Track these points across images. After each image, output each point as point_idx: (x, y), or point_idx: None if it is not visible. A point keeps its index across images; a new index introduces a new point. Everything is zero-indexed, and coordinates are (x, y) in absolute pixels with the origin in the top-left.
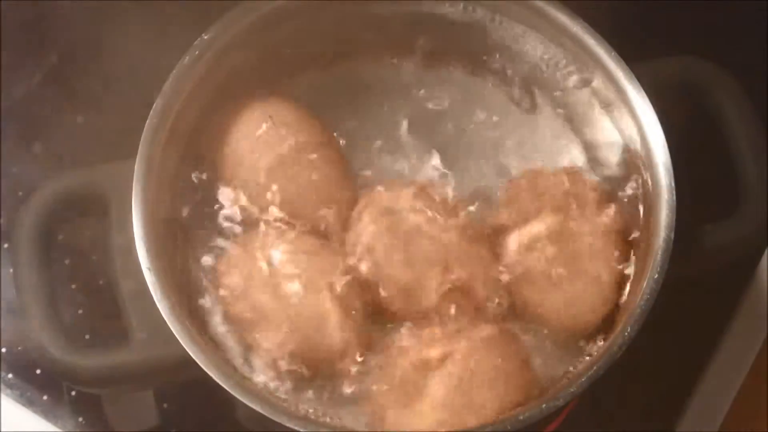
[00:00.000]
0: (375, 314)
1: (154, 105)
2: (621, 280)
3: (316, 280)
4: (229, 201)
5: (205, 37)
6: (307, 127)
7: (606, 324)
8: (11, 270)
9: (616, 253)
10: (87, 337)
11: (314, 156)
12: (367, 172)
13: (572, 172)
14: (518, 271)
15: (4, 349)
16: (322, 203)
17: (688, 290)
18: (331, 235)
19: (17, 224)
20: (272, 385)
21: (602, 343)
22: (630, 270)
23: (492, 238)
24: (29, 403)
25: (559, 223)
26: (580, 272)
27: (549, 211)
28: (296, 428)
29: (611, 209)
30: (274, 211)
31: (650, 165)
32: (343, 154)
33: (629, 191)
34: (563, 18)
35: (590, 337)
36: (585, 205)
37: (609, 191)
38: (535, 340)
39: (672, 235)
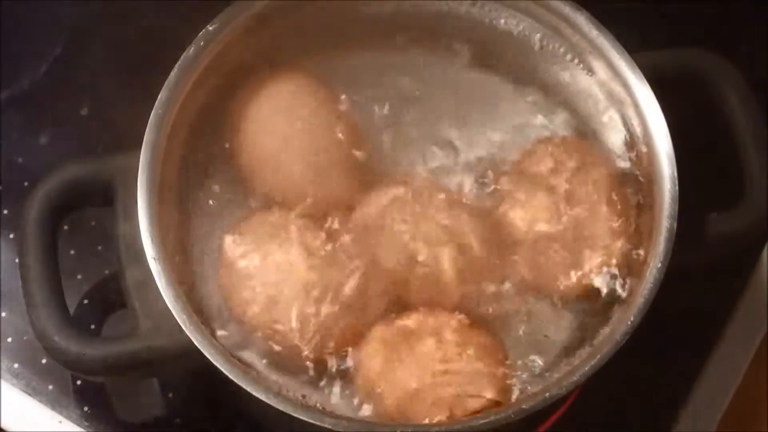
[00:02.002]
0: (377, 304)
1: (160, 95)
2: (629, 249)
3: (322, 270)
4: (236, 190)
5: (210, 29)
6: (317, 112)
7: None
8: (17, 259)
9: (622, 222)
10: (92, 326)
11: (325, 143)
12: (374, 162)
13: (576, 141)
14: (527, 246)
15: (9, 339)
16: (333, 191)
17: (690, 280)
18: (339, 226)
19: (23, 214)
20: (275, 374)
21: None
22: (639, 249)
23: (498, 215)
24: (35, 392)
25: (564, 193)
26: (587, 242)
27: (554, 182)
28: (301, 417)
29: (614, 177)
30: (283, 199)
31: (653, 155)
32: (359, 142)
33: (632, 182)
34: (565, 8)
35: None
36: (589, 171)
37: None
38: (545, 313)
39: (675, 225)
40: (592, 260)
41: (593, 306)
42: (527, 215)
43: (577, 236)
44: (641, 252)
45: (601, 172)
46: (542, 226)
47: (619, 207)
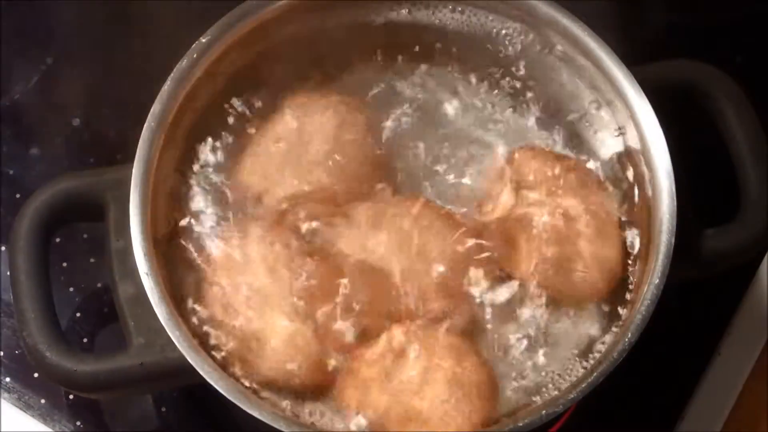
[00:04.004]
0: (365, 320)
1: (152, 108)
2: (626, 265)
3: (313, 286)
4: (229, 203)
5: (203, 40)
6: (315, 124)
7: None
8: (8, 273)
9: (619, 237)
10: (85, 341)
11: (323, 157)
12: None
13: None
14: (521, 258)
15: (1, 353)
16: (330, 206)
17: (689, 294)
18: (334, 242)
19: (14, 227)
20: (267, 390)
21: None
22: (636, 264)
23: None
24: (27, 407)
25: (558, 208)
26: (583, 257)
27: (544, 190)
28: None
29: (606, 188)
30: (277, 213)
31: (651, 170)
32: (359, 154)
33: (630, 196)
34: (564, 20)
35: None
36: (582, 186)
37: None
38: (541, 330)
39: (673, 240)
40: (587, 275)
41: (590, 322)
42: (520, 229)
43: (572, 251)
44: (638, 268)
45: (594, 186)
46: (537, 239)
47: (615, 222)
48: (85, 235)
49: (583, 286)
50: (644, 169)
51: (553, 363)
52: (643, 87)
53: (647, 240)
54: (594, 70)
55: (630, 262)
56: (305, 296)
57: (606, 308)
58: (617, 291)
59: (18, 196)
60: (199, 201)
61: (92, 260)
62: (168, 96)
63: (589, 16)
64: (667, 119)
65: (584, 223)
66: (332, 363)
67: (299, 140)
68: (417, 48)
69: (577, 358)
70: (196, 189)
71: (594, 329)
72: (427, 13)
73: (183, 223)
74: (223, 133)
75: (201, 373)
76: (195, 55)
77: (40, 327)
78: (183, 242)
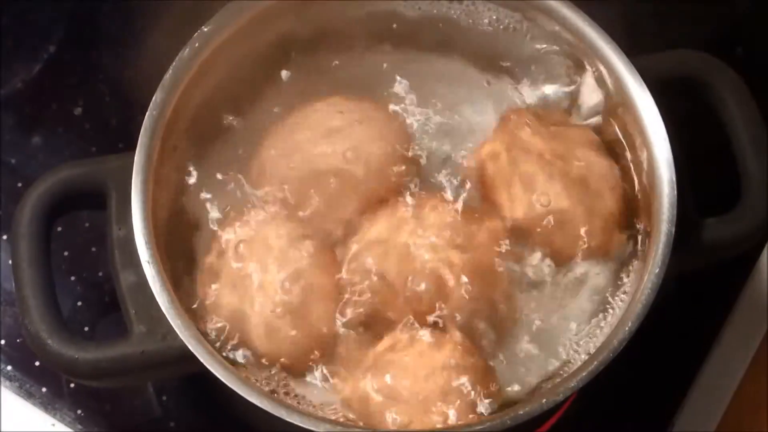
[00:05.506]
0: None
1: (154, 97)
2: (626, 253)
3: (312, 278)
4: (232, 193)
5: (205, 29)
6: (316, 116)
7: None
8: (10, 261)
9: (619, 224)
10: (86, 329)
11: (325, 149)
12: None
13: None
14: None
15: (3, 341)
16: (332, 201)
17: (689, 284)
18: (331, 235)
19: (16, 215)
20: (268, 378)
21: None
22: (637, 253)
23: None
24: (28, 395)
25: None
26: (587, 246)
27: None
28: (295, 422)
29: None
30: (277, 203)
31: (651, 159)
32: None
33: (630, 185)
34: (564, 10)
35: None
36: (587, 170)
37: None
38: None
39: (673, 230)
40: (590, 263)
41: (591, 310)
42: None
43: (573, 239)
44: (639, 257)
45: (600, 168)
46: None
47: (617, 209)
48: (86, 224)
49: (578, 282)
50: (644, 158)
51: (552, 351)
52: (643, 77)
53: (647, 229)
54: (594, 61)
55: (630, 251)
56: (315, 288)
57: (606, 296)
58: (618, 279)
59: (19, 184)
60: (200, 190)
61: (94, 249)
62: (170, 84)
63: (589, 6)
64: (668, 109)
65: (585, 220)
66: (335, 349)
67: (309, 137)
68: (418, 38)
69: (577, 346)
70: (198, 178)
71: (593, 317)
72: (427, 3)
73: (185, 211)
74: (226, 121)
75: (202, 361)
76: (197, 44)
77: (41, 315)
78: (185, 230)
